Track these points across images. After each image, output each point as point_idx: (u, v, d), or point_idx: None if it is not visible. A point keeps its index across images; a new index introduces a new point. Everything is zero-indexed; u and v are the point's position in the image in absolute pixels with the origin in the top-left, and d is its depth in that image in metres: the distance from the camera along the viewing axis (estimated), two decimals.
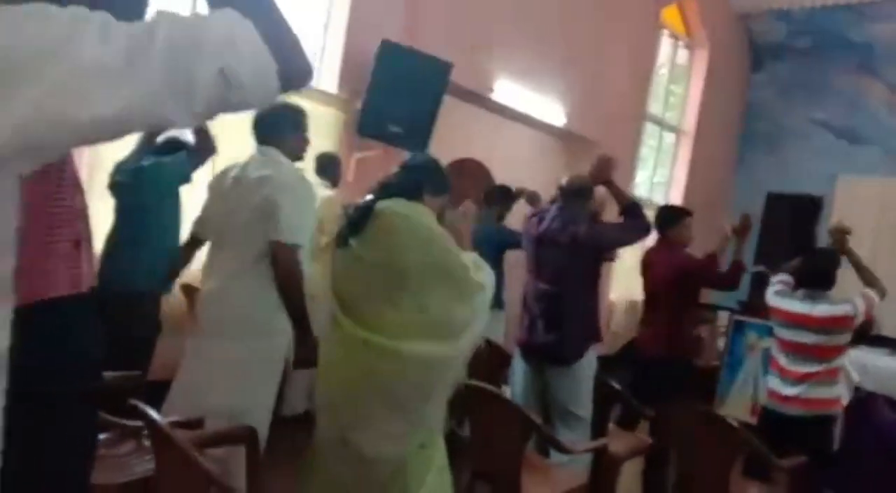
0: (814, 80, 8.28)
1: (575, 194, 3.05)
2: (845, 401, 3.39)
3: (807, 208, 8.34)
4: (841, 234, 3.34)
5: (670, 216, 3.77)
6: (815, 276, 3.21)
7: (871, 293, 3.18)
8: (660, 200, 7.79)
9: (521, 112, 5.63)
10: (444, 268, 1.84)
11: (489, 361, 3.28)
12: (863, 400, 4.53)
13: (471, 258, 1.94)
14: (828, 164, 8.13)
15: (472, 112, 5.72)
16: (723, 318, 5.86)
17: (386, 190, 1.95)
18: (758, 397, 4.62)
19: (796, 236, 8.55)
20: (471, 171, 6.25)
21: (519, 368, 3.20)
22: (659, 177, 7.92)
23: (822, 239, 7.98)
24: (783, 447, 2.93)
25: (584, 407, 3.03)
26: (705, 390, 5.08)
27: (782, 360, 3.25)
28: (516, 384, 3.22)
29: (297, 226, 2.27)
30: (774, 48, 8.46)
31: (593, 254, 3.07)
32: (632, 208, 3.09)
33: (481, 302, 1.91)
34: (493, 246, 3.90)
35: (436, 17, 4.80)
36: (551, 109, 5.83)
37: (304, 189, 2.38)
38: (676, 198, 7.89)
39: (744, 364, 4.83)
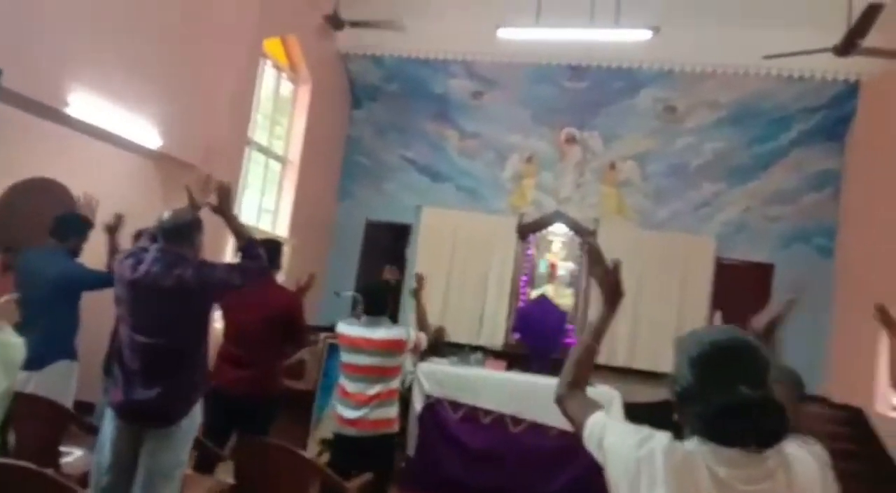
0: (404, 122, 9.40)
1: (179, 232, 2.69)
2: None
3: (399, 234, 9.40)
4: None
5: (275, 252, 3.69)
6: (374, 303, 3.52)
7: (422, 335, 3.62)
8: (267, 226, 7.90)
9: (106, 131, 5.11)
10: None
11: (47, 423, 2.85)
12: (432, 406, 5.26)
13: None
14: (414, 196, 9.29)
15: (42, 127, 5.00)
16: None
17: None
18: None
19: (392, 259, 9.56)
20: (48, 191, 5.46)
21: (109, 430, 2.72)
22: (266, 204, 8.02)
23: (412, 261, 9.10)
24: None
25: (181, 468, 2.75)
26: (307, 413, 5.26)
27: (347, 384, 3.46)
28: (104, 451, 2.75)
29: None
30: (371, 89, 9.35)
31: (203, 298, 2.75)
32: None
33: None
34: (64, 287, 3.45)
35: None
36: (144, 130, 5.42)
37: None
38: (283, 224, 8.10)
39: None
